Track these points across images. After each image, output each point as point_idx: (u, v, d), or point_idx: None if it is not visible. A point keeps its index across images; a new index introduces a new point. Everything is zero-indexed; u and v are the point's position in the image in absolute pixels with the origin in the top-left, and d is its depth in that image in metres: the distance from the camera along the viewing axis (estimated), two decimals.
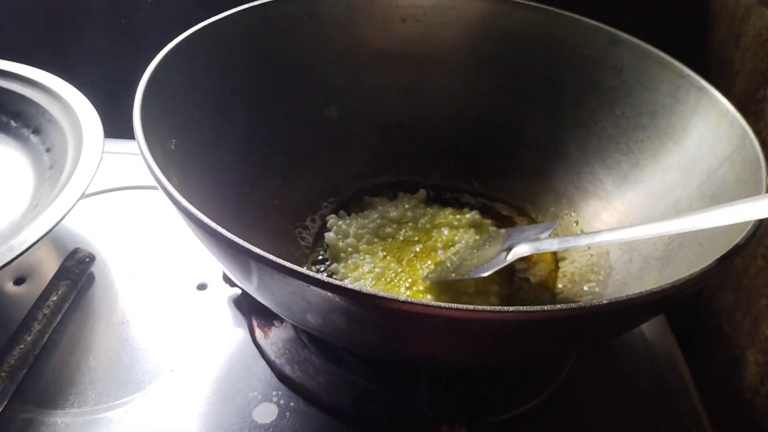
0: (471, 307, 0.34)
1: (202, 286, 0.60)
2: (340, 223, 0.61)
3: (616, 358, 0.57)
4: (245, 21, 0.59)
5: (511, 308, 0.34)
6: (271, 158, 0.61)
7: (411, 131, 0.67)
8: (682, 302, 0.68)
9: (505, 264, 0.52)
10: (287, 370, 0.53)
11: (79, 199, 0.55)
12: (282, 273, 0.36)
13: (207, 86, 0.56)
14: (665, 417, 0.54)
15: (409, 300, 0.34)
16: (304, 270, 0.36)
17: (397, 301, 0.35)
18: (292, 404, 0.51)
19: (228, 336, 0.56)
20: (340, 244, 0.59)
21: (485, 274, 0.52)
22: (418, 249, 0.60)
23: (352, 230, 0.60)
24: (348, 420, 0.50)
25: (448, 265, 0.57)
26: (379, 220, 0.61)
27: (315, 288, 0.36)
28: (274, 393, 0.52)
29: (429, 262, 0.58)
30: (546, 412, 0.52)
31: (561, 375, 0.54)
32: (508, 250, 0.53)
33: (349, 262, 0.58)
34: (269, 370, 0.53)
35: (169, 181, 0.42)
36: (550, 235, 0.54)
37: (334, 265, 0.59)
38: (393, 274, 0.57)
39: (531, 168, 0.65)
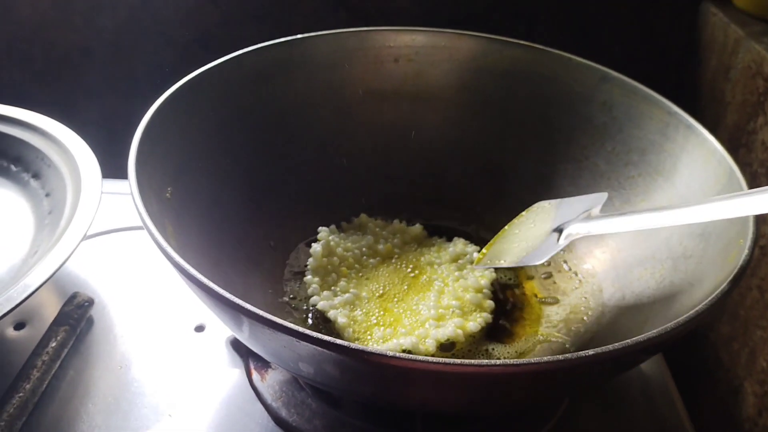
0: (458, 361, 0.35)
1: (199, 328, 0.61)
2: (331, 238, 0.62)
3: (611, 395, 0.57)
4: (239, 67, 0.60)
5: (498, 362, 0.35)
6: (266, 201, 0.61)
7: (405, 168, 0.68)
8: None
9: (560, 249, 0.52)
10: (284, 413, 0.53)
11: (78, 245, 0.56)
12: (272, 329, 0.37)
13: (202, 133, 0.57)
14: None
15: (397, 355, 0.35)
16: (292, 326, 0.36)
17: (384, 356, 0.35)
18: None
19: (225, 378, 0.57)
20: (323, 260, 0.60)
21: (539, 262, 0.52)
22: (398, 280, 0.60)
23: (339, 250, 0.61)
24: None
25: (502, 244, 0.56)
26: (365, 249, 0.62)
27: (304, 343, 0.36)
28: None
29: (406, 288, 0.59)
30: None
31: (557, 415, 0.54)
32: (559, 231, 0.52)
33: (327, 278, 0.60)
34: (266, 413, 0.54)
35: (161, 232, 0.43)
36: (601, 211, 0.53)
37: (309, 277, 0.60)
38: (365, 303, 0.58)
39: (523, 204, 0.65)
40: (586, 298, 0.58)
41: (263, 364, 0.57)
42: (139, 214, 0.44)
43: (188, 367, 0.58)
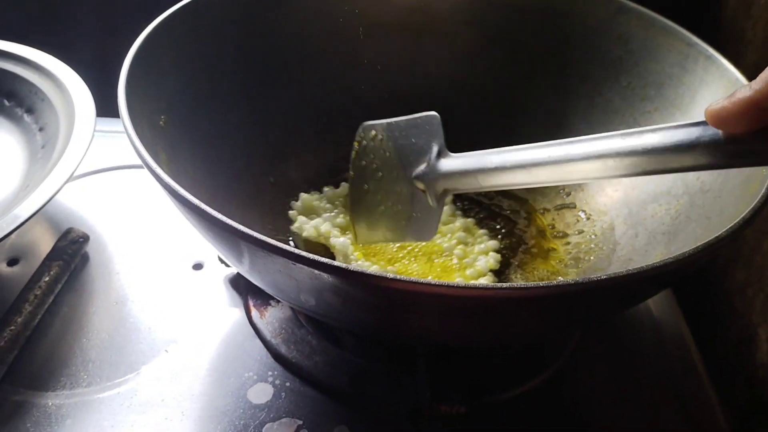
0: (463, 284, 0.33)
1: (197, 266, 0.59)
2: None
3: (622, 337, 0.56)
4: None
5: (505, 285, 0.33)
6: (265, 135, 0.59)
7: (409, 107, 0.65)
8: (693, 279, 0.67)
9: (441, 213, 0.49)
10: (283, 350, 0.52)
11: (70, 178, 0.54)
12: (266, 250, 0.35)
13: (198, 62, 0.55)
14: (672, 397, 0.52)
15: (398, 278, 0.33)
16: (288, 247, 0.34)
17: (385, 278, 0.33)
18: (287, 384, 0.50)
19: (224, 316, 0.55)
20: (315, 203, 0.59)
21: (430, 238, 0.50)
22: None
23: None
24: (345, 399, 0.49)
25: (364, 212, 0.54)
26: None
27: (301, 266, 0.34)
28: (270, 373, 0.51)
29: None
30: (549, 391, 0.51)
31: (564, 354, 0.53)
32: (423, 183, 0.49)
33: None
34: (265, 350, 0.52)
35: (154, 158, 0.41)
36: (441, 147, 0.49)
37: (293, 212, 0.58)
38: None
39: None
40: (596, 235, 0.56)
41: (262, 302, 0.55)
42: (129, 136, 0.42)
43: (186, 304, 0.56)
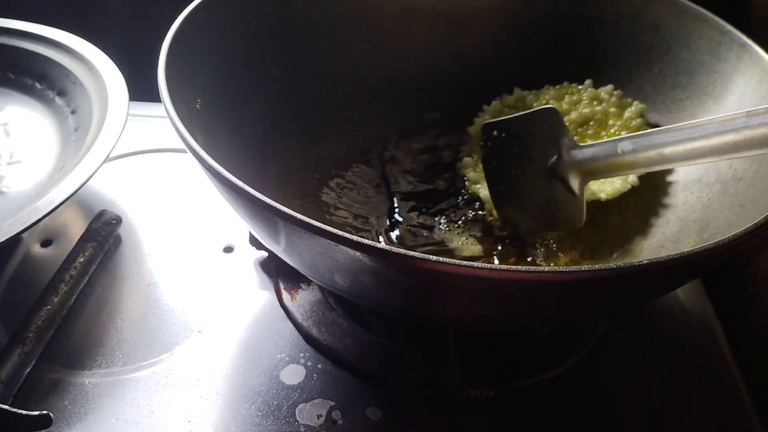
0: (503, 267, 0.33)
1: (228, 249, 0.60)
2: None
3: (651, 324, 0.56)
4: None
5: (547, 269, 0.33)
6: (297, 119, 0.59)
7: (439, 91, 0.65)
8: (719, 268, 0.66)
9: (583, 198, 0.50)
10: (314, 332, 0.52)
11: (105, 161, 0.54)
12: (310, 232, 0.35)
13: (233, 46, 0.55)
14: (701, 383, 0.52)
15: (441, 260, 0.33)
16: (332, 229, 0.35)
17: (428, 260, 0.34)
18: (319, 366, 0.50)
19: (255, 298, 0.56)
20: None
21: (581, 223, 0.51)
22: None
23: None
24: (375, 382, 0.49)
25: (508, 206, 0.55)
26: None
27: (343, 247, 0.35)
28: (302, 355, 0.51)
29: None
30: (577, 377, 0.51)
31: (593, 340, 0.53)
32: (559, 175, 0.51)
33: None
34: (296, 332, 0.53)
35: (195, 140, 0.42)
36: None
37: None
38: None
39: None
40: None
41: (293, 285, 0.56)
42: (171, 118, 0.42)
43: (217, 287, 0.57)
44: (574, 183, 0.50)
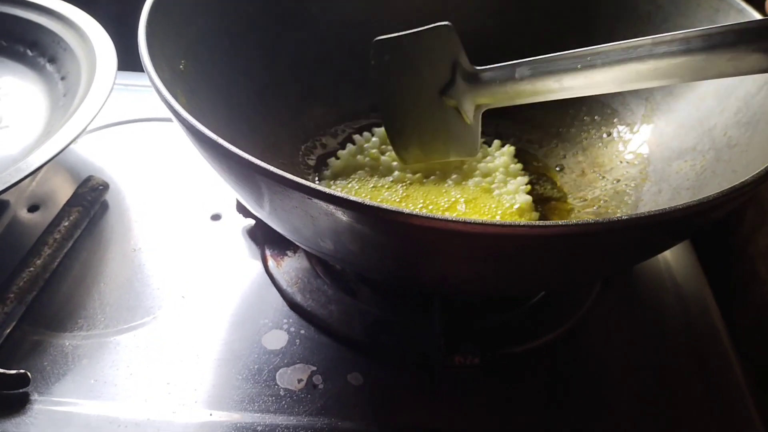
0: (481, 220, 0.32)
1: (216, 217, 0.59)
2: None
3: (642, 298, 0.55)
4: None
5: (530, 223, 0.32)
6: (287, 83, 0.59)
7: None
8: (718, 245, 0.65)
9: (478, 127, 0.49)
10: (299, 298, 0.52)
11: (87, 127, 0.54)
12: (283, 185, 0.35)
13: (220, 6, 0.54)
14: (692, 356, 0.51)
15: (416, 213, 0.32)
16: (305, 182, 0.34)
17: (401, 213, 0.33)
18: (302, 332, 0.50)
19: (241, 266, 0.55)
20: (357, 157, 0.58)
21: (475, 154, 0.50)
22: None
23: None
24: (359, 348, 0.49)
25: (401, 130, 0.53)
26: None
27: (316, 200, 0.34)
28: (285, 320, 0.51)
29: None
30: (564, 346, 0.50)
31: (582, 309, 0.52)
32: (454, 101, 0.49)
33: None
34: (281, 298, 0.52)
35: (175, 99, 0.41)
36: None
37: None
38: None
39: (555, 105, 0.61)
40: (618, 192, 0.55)
41: (279, 252, 0.55)
42: (149, 76, 0.41)
43: (204, 253, 0.56)
44: (469, 110, 0.48)
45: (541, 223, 0.33)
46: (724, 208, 0.37)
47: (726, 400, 0.49)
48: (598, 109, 0.61)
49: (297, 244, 0.50)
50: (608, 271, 0.50)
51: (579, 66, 0.41)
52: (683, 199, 0.49)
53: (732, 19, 0.52)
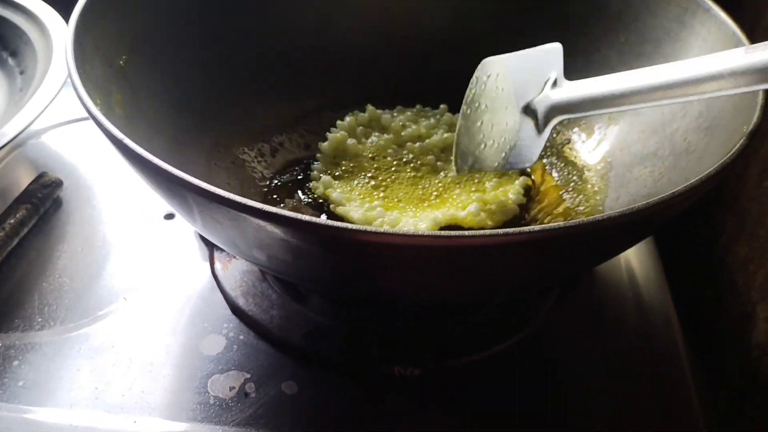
0: (410, 232, 0.31)
1: (169, 216, 0.58)
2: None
3: (601, 308, 0.53)
4: None
5: (466, 233, 0.31)
6: (237, 80, 0.57)
7: (396, 58, 0.62)
8: (696, 255, 0.63)
9: (545, 141, 0.47)
10: (241, 302, 0.50)
11: (38, 116, 0.53)
12: (206, 198, 0.33)
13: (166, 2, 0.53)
14: (650, 372, 0.49)
15: (334, 224, 0.31)
16: (221, 192, 0.33)
17: (322, 225, 0.31)
18: (241, 337, 0.48)
19: (190, 267, 0.54)
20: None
21: (530, 164, 0.48)
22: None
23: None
24: (297, 355, 0.47)
25: (470, 143, 0.51)
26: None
27: (225, 207, 0.33)
28: (225, 325, 0.49)
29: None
30: (512, 358, 0.48)
31: (535, 320, 0.50)
32: (532, 112, 0.47)
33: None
34: (224, 302, 0.51)
35: (104, 97, 0.40)
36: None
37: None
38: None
39: None
40: (575, 197, 0.53)
41: (227, 254, 0.54)
42: (69, 72, 0.40)
43: (153, 253, 0.55)
44: (546, 120, 0.46)
45: (486, 232, 0.31)
46: (666, 212, 0.34)
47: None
48: None
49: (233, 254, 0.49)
50: (553, 279, 0.48)
51: (667, 82, 0.39)
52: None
53: (698, 19, 0.50)
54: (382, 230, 0.31)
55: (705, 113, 0.47)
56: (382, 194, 0.55)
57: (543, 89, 0.47)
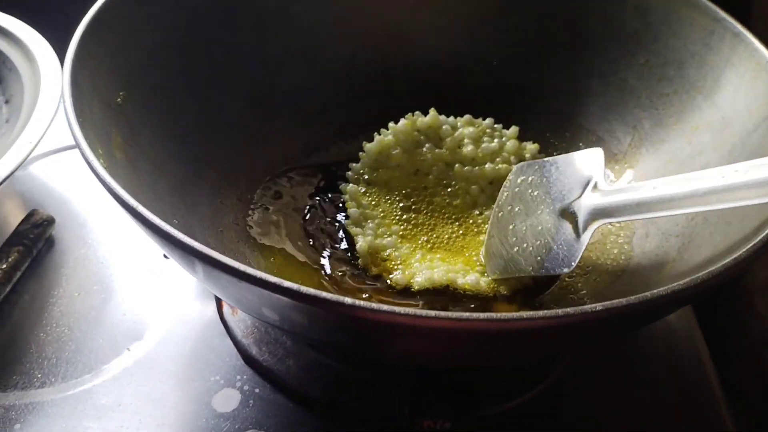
0: (432, 313, 0.28)
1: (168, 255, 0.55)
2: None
3: (627, 344, 0.51)
4: None
5: (482, 315, 0.28)
6: (241, 114, 0.53)
7: (401, 82, 0.59)
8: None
9: (584, 246, 0.43)
10: (254, 351, 0.47)
11: (27, 156, 0.49)
12: (215, 267, 0.30)
13: (167, 31, 0.49)
14: (682, 411, 0.47)
15: (359, 304, 0.28)
16: (233, 263, 0.30)
17: (342, 305, 0.28)
18: (257, 390, 0.46)
19: (193, 310, 0.51)
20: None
21: (569, 269, 0.43)
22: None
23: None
24: (318, 409, 0.45)
25: (501, 245, 0.48)
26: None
27: (247, 284, 0.30)
28: (239, 377, 0.46)
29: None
30: (545, 404, 0.46)
31: (563, 365, 0.48)
32: (571, 214, 0.44)
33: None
34: (235, 350, 0.48)
35: (104, 142, 0.37)
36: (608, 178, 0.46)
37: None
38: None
39: (536, 129, 0.57)
40: (602, 233, 0.51)
41: None
42: (66, 112, 0.37)
43: (154, 296, 0.52)
44: (586, 224, 0.43)
45: (500, 316, 0.28)
46: (705, 291, 0.32)
47: None
48: (582, 136, 0.56)
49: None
50: (578, 350, 0.46)
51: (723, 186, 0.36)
52: (671, 247, 0.45)
53: (727, 44, 0.48)
54: (376, 307, 0.29)
55: (739, 147, 0.45)
56: (405, 218, 0.52)
57: (583, 193, 0.44)
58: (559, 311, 0.28)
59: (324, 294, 0.29)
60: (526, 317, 0.28)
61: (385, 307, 0.28)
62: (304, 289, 0.29)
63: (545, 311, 0.29)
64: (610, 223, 0.48)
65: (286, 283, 0.29)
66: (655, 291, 0.30)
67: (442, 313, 0.28)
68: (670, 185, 0.38)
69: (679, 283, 0.31)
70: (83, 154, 0.35)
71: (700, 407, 0.48)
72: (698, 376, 0.49)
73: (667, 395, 0.48)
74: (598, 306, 0.28)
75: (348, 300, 0.28)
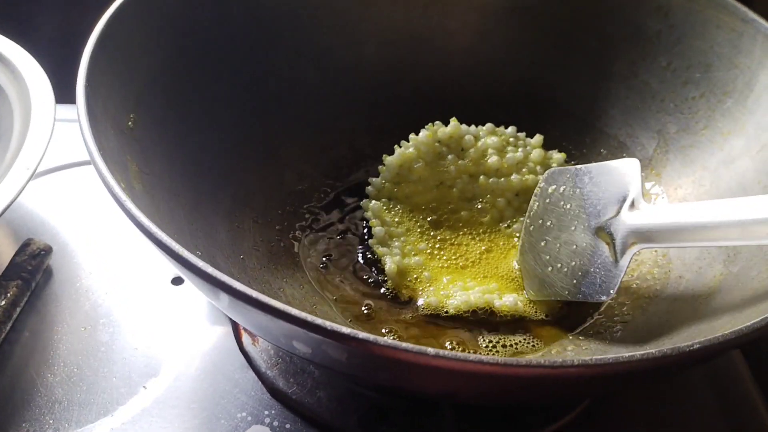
0: (472, 357, 0.26)
1: (177, 280, 0.52)
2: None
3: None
4: None
5: (523, 361, 0.26)
6: (256, 128, 0.51)
7: (415, 87, 0.57)
8: None
9: (623, 272, 0.41)
10: (281, 383, 0.45)
11: (27, 184, 0.46)
12: (248, 304, 0.28)
13: (173, 46, 0.46)
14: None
15: (397, 345, 0.26)
16: (269, 300, 0.27)
17: (381, 346, 0.26)
18: (288, 426, 0.43)
19: (210, 341, 0.48)
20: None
21: (608, 298, 0.42)
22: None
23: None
24: None
25: (535, 263, 0.46)
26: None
27: (281, 321, 0.28)
28: (266, 413, 0.44)
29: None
30: (586, 426, 0.44)
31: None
32: (608, 234, 0.42)
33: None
34: (259, 383, 0.45)
35: (123, 174, 0.34)
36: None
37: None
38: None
39: (554, 137, 0.55)
40: (635, 274, 0.49)
41: None
42: (90, 152, 0.34)
43: (165, 327, 0.49)
44: (624, 248, 0.41)
45: (540, 361, 0.26)
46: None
47: None
48: (603, 141, 0.55)
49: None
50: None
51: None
52: (715, 260, 0.43)
53: (759, 46, 0.46)
54: (402, 347, 0.27)
55: None
56: (432, 234, 0.50)
57: (620, 211, 0.42)
58: (620, 357, 0.27)
59: (370, 337, 0.27)
60: (590, 363, 0.27)
61: (440, 352, 0.27)
62: (342, 328, 0.27)
63: (606, 357, 0.27)
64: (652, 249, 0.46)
65: (319, 321, 0.28)
66: (720, 335, 0.28)
67: (500, 359, 0.26)
68: (722, 210, 0.36)
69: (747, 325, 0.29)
70: (112, 193, 0.33)
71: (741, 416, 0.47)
72: (739, 389, 0.48)
73: (710, 414, 0.46)
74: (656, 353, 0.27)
75: (390, 342, 0.26)
